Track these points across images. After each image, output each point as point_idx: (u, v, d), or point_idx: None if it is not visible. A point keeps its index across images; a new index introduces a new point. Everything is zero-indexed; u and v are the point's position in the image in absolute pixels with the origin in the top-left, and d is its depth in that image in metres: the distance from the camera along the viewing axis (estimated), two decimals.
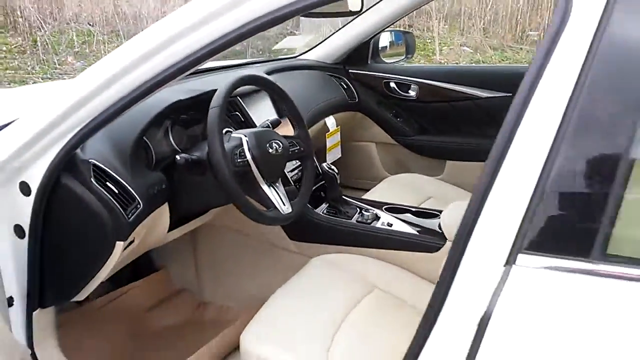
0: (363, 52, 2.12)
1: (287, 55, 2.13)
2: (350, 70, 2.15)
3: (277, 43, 2.78)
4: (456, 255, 0.69)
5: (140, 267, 1.73)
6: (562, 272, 0.65)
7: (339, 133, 2.03)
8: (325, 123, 1.95)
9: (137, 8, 6.55)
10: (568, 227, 0.65)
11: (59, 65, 5.78)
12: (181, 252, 1.75)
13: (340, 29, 2.04)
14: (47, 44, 6.05)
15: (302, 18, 2.53)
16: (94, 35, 6.14)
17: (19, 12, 6.50)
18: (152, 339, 1.54)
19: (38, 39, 6.03)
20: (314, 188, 1.60)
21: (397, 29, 2.23)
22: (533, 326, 0.65)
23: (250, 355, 1.15)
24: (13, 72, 5.43)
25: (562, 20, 0.66)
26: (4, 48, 5.96)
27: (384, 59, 2.20)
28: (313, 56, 2.12)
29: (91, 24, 6.37)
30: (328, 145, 1.97)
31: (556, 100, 0.65)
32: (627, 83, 0.63)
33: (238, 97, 1.52)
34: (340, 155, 2.06)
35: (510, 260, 0.67)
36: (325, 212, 1.59)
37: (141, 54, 0.93)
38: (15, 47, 6.01)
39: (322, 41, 2.11)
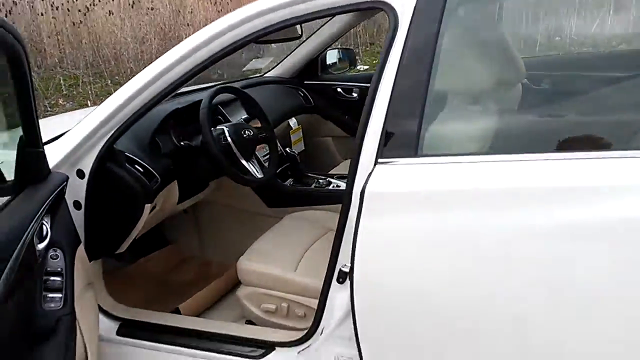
0: (314, 67, 2.72)
1: (255, 75, 2.75)
2: (305, 82, 2.75)
3: (245, 66, 3.41)
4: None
5: (156, 242, 2.29)
6: (405, 165, 1.23)
7: (300, 131, 2.63)
8: (288, 123, 2.55)
9: (117, 49, 7.16)
10: (400, 140, 1.24)
11: (50, 107, 6.33)
12: (186, 228, 2.32)
13: (293, 51, 2.66)
14: (36, 90, 6.62)
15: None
16: (79, 77, 6.72)
17: None
18: (172, 288, 2.10)
19: None
20: (281, 168, 2.18)
21: (342, 47, 2.87)
22: (386, 195, 1.23)
23: (245, 271, 1.73)
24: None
25: (391, 38, 1.26)
26: None
27: (332, 72, 2.81)
28: (275, 73, 2.73)
29: (76, 68, 6.95)
30: (293, 140, 2.57)
31: (390, 76, 1.24)
32: (416, 68, 1.22)
33: (219, 106, 2.11)
34: (303, 148, 2.65)
35: (375, 162, 1.25)
36: (291, 184, 2.18)
37: (151, 77, 1.51)
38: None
39: (280, 61, 2.72)
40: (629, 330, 1.06)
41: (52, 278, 1.30)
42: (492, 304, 1.17)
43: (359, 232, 1.25)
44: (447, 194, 1.18)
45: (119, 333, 1.75)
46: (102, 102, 1.59)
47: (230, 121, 1.99)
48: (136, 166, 1.70)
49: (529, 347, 1.15)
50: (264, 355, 1.58)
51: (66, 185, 1.45)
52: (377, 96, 1.26)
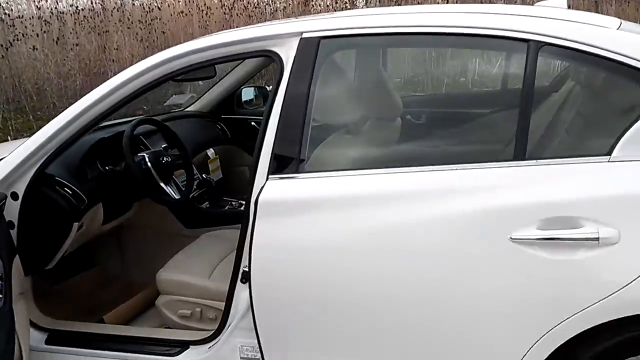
0: (230, 102, 3.06)
1: (175, 109, 3.06)
2: (222, 116, 3.08)
3: (166, 101, 3.70)
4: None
5: (83, 264, 2.51)
6: (285, 179, 1.57)
7: (218, 160, 2.94)
8: (207, 153, 2.86)
9: (40, 85, 7.21)
10: (285, 160, 1.58)
11: None
12: (111, 250, 2.55)
13: (210, 88, 3.00)
14: None
15: None
16: (1, 112, 6.72)
17: None
18: (97, 304, 2.31)
19: None
20: (199, 192, 2.48)
21: (256, 85, 3.24)
22: (273, 203, 1.56)
23: (163, 281, 2.00)
24: None
25: (278, 80, 1.62)
26: None
27: (247, 108, 3.15)
28: (194, 108, 3.04)
29: None
30: (211, 168, 2.87)
31: (277, 110, 1.59)
32: (295, 105, 1.57)
33: (141, 136, 2.39)
34: (221, 176, 2.96)
35: (267, 178, 1.59)
36: (207, 206, 2.48)
37: (79, 111, 1.78)
38: None
39: (199, 97, 3.05)
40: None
41: None
42: (351, 289, 1.52)
43: (253, 235, 1.57)
44: (318, 200, 1.53)
45: (47, 342, 1.96)
46: (25, 136, 1.85)
47: (150, 149, 2.28)
48: (65, 189, 1.96)
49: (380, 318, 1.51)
50: (179, 352, 1.84)
51: (5, 203, 1.69)
52: (267, 126, 1.61)
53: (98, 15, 9.13)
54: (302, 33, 1.65)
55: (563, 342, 1.38)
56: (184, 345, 1.84)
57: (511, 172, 1.43)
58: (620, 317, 1.34)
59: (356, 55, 1.86)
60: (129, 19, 8.90)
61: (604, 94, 1.55)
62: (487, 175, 1.44)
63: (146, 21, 8.85)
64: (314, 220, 1.53)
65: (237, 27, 8.63)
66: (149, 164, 2.09)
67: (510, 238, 1.38)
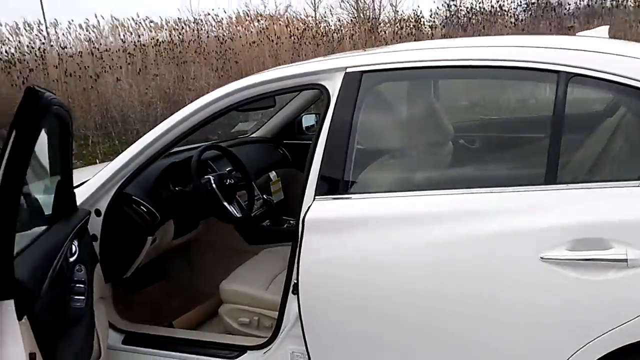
0: (291, 128, 3.27)
1: (241, 135, 3.30)
2: (284, 141, 3.29)
3: (233, 128, 3.98)
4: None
5: (155, 275, 2.76)
6: (330, 200, 1.72)
7: (279, 182, 3.14)
8: (269, 175, 3.07)
9: (125, 112, 7.81)
10: (330, 183, 1.73)
11: None
12: (181, 264, 2.79)
13: (273, 116, 3.22)
14: None
15: None
16: (89, 138, 7.33)
17: None
18: (167, 311, 2.54)
19: None
20: (260, 211, 2.68)
21: (316, 112, 3.43)
22: (318, 221, 1.71)
23: (225, 291, 2.20)
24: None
25: (325, 109, 1.78)
26: None
27: (307, 133, 3.34)
28: (259, 134, 3.27)
29: (86, 129, 7.57)
30: (272, 189, 3.07)
31: (324, 137, 1.76)
32: (340, 132, 1.73)
33: (209, 160, 2.62)
34: (282, 197, 3.15)
35: (314, 198, 1.74)
36: (267, 224, 2.67)
37: (153, 139, 2.02)
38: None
39: (262, 124, 3.28)
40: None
41: (77, 285, 1.77)
42: (390, 302, 1.63)
43: (301, 250, 1.73)
44: (360, 219, 1.67)
45: (124, 343, 2.19)
46: (111, 159, 2.11)
47: (217, 172, 2.51)
48: (141, 207, 2.20)
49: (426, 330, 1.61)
50: (237, 356, 2.01)
51: (89, 218, 1.95)
52: (315, 151, 1.78)
53: (177, 47, 9.78)
54: (346, 68, 1.81)
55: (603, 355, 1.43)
56: (242, 350, 2.01)
57: (545, 194, 1.51)
58: None
59: (397, 86, 1.99)
60: (204, 50, 9.45)
61: (636, 121, 1.60)
62: (523, 198, 1.53)
63: (220, 52, 9.38)
64: (356, 238, 1.67)
65: (305, 55, 8.94)
66: (214, 185, 2.31)
67: (541, 257, 1.45)
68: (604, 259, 1.40)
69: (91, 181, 2.12)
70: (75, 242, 1.80)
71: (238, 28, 10.98)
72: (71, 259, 1.73)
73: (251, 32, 10.43)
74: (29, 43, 9.82)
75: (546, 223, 1.47)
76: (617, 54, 1.56)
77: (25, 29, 10.03)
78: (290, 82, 1.94)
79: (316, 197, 1.75)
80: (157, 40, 9.73)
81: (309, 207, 1.74)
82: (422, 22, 10.16)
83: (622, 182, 1.45)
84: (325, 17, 12.09)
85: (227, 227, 2.64)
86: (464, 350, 1.58)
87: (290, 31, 9.82)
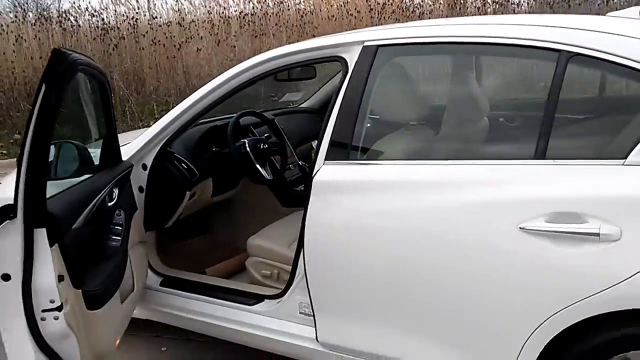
0: None
1: (290, 106, 3.49)
2: None
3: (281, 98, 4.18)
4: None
5: (198, 230, 3.03)
6: (336, 164, 1.86)
7: None
8: (311, 144, 3.24)
9: (205, 80, 8.23)
10: (338, 149, 1.87)
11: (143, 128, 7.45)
12: (222, 220, 3.05)
13: (320, 87, 3.37)
14: (133, 113, 7.79)
15: None
16: (171, 104, 7.82)
17: (112, 89, 8.41)
18: (204, 261, 2.80)
19: (127, 109, 7.78)
20: (295, 176, 2.86)
21: None
22: (324, 183, 1.86)
23: (251, 245, 2.41)
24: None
25: (342, 79, 1.91)
26: None
27: None
28: (307, 105, 3.44)
29: (168, 95, 8.09)
30: (313, 158, 3.24)
31: (337, 106, 1.89)
32: (351, 102, 1.86)
33: (251, 126, 2.83)
34: None
35: (323, 162, 1.89)
36: (301, 189, 2.85)
37: (193, 101, 2.24)
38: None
39: (310, 96, 3.44)
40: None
41: (116, 227, 2.04)
42: (391, 261, 1.76)
43: (307, 209, 1.89)
44: (360, 184, 1.80)
45: (161, 284, 2.47)
46: None
47: (255, 137, 2.71)
48: (182, 164, 2.45)
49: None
50: (255, 303, 2.23)
51: (131, 170, 2.21)
52: (330, 118, 1.92)
53: (260, 20, 10.08)
54: (363, 42, 1.93)
55: (563, 329, 1.50)
56: (259, 299, 2.23)
57: (533, 169, 1.57)
58: (616, 310, 1.42)
59: (409, 60, 2.08)
60: (284, 24, 9.69)
61: (626, 103, 1.61)
62: (512, 170, 1.60)
63: (300, 25, 9.57)
64: (357, 200, 1.81)
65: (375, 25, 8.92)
66: (247, 148, 2.52)
67: (520, 227, 1.52)
68: (579, 232, 1.45)
69: (139, 138, 2.39)
70: (116, 190, 2.07)
71: (320, 1, 11.12)
72: (110, 204, 1.99)
73: (332, 5, 10.52)
74: (125, 12, 10.51)
75: (529, 195, 1.54)
76: (617, 34, 1.56)
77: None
78: (313, 54, 2.08)
79: (325, 161, 1.90)
80: (240, 12, 10.04)
81: (317, 171, 1.90)
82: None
83: (604, 160, 1.49)
84: None
85: (264, 189, 2.85)
86: (447, 307, 1.69)
87: (369, 5, 9.81)
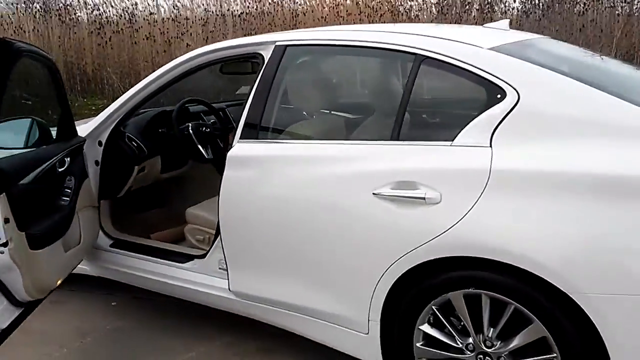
0: None
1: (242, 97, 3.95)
2: None
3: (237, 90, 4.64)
4: None
5: (156, 203, 3.47)
6: (249, 143, 2.30)
7: None
8: None
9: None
10: (249, 130, 2.31)
11: None
12: (176, 195, 3.49)
13: None
14: None
15: None
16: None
17: (105, 81, 8.90)
18: (152, 228, 3.24)
19: None
20: None
21: None
22: (235, 158, 2.30)
23: (188, 213, 2.86)
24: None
25: (258, 73, 2.35)
26: (94, 107, 8.22)
27: None
28: None
29: None
30: None
31: (252, 94, 2.33)
32: (261, 92, 2.30)
33: (201, 113, 3.27)
34: None
35: (237, 141, 2.33)
36: None
37: (139, 87, 2.69)
38: (101, 106, 8.27)
39: None
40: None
41: (66, 189, 2.49)
42: (282, 222, 2.19)
43: (222, 180, 2.33)
44: (265, 158, 2.24)
45: (111, 246, 2.91)
46: None
47: (199, 121, 3.15)
48: (133, 142, 2.90)
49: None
50: (186, 261, 2.66)
51: (83, 143, 2.66)
52: (246, 105, 2.35)
53: (255, 19, 10.54)
54: (275, 42, 2.37)
55: (405, 271, 1.91)
56: (190, 258, 2.66)
57: (386, 147, 2.00)
58: (439, 257, 1.84)
59: (310, 58, 2.51)
60: (280, 23, 10.15)
61: (457, 97, 2.04)
62: (372, 149, 2.04)
63: (291, 25, 10.03)
64: (260, 172, 2.25)
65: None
66: (190, 131, 2.96)
67: (373, 193, 1.95)
68: (412, 197, 1.88)
69: (97, 117, 2.84)
70: (68, 159, 2.52)
71: (315, 3, 11.57)
72: (60, 169, 2.44)
73: (324, 7, 10.97)
74: (124, 8, 11.01)
75: (382, 167, 1.97)
76: (457, 41, 2.00)
77: None
78: (239, 50, 2.52)
79: (240, 140, 2.34)
80: (233, 12, 10.51)
81: (231, 147, 2.33)
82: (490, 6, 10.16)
83: (438, 142, 1.92)
84: None
85: (211, 167, 3.29)
86: (324, 258, 2.11)
87: (359, 8, 10.25)
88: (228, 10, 11.03)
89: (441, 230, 1.83)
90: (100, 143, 2.85)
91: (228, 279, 2.43)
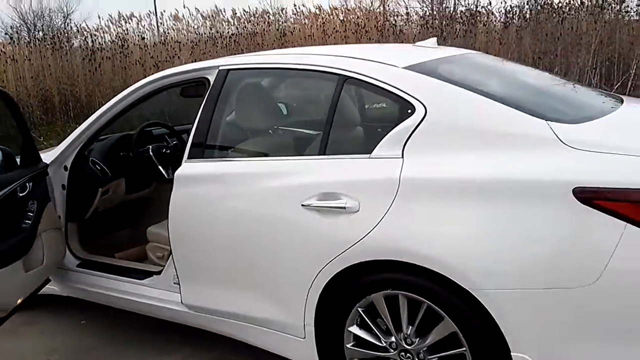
0: None
1: None
2: None
3: None
4: None
5: (125, 224, 3.65)
6: (195, 162, 2.47)
7: None
8: None
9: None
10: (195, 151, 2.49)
11: None
12: (142, 216, 3.67)
13: None
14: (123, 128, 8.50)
15: None
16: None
17: (97, 106, 9.19)
18: (117, 248, 3.40)
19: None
20: None
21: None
22: (183, 177, 2.47)
23: (149, 232, 3.02)
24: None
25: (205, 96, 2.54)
26: None
27: None
28: None
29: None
30: None
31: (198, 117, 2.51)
32: (205, 115, 2.48)
33: (166, 136, 3.46)
34: None
35: (185, 160, 2.51)
36: None
37: (101, 112, 2.88)
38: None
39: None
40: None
41: (28, 213, 2.66)
42: (223, 235, 2.36)
43: (171, 198, 2.50)
44: (208, 176, 2.41)
45: (78, 266, 3.08)
46: None
47: (161, 143, 3.34)
48: (96, 165, 3.08)
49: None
50: (145, 278, 2.82)
51: (46, 168, 2.84)
52: (192, 128, 2.53)
53: (245, 39, 10.82)
54: (219, 66, 2.55)
55: (332, 276, 2.06)
56: (149, 274, 2.82)
57: (313, 162, 2.17)
58: (359, 262, 1.99)
59: (250, 80, 2.69)
60: (266, 43, 10.42)
61: (376, 113, 2.21)
62: (302, 163, 2.21)
63: (279, 44, 10.29)
64: (205, 189, 2.42)
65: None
66: (150, 152, 3.14)
67: (302, 205, 2.12)
68: (334, 207, 2.04)
69: (61, 144, 3.03)
70: (30, 184, 2.70)
71: (304, 21, 11.85)
72: (21, 194, 2.62)
73: (312, 26, 11.24)
74: (118, 33, 11.35)
75: (310, 180, 2.13)
76: (373, 60, 2.18)
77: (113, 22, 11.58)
78: (188, 75, 2.71)
79: (187, 159, 2.51)
80: (222, 33, 10.81)
81: (180, 167, 2.51)
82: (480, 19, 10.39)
83: (358, 155, 2.08)
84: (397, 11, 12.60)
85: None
86: (262, 265, 2.26)
87: (345, 26, 10.51)
88: (217, 32, 11.36)
89: (360, 237, 1.98)
90: (65, 168, 3.03)
91: (180, 292, 2.58)
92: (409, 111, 2.02)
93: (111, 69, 9.82)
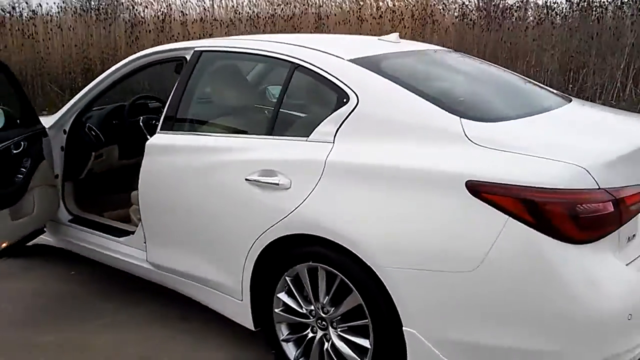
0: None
1: None
2: None
3: None
4: None
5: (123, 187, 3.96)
6: (162, 134, 2.73)
7: None
8: None
9: None
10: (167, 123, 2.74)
11: None
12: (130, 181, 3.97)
13: None
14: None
15: None
16: None
17: None
18: (107, 208, 3.71)
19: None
20: None
21: None
22: (152, 147, 2.73)
23: (132, 196, 3.31)
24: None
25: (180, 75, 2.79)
26: None
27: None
28: None
29: None
30: None
31: (171, 93, 2.76)
32: (179, 89, 2.72)
33: (161, 108, 3.72)
34: None
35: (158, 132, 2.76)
36: None
37: (98, 81, 3.16)
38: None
39: None
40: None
41: (22, 169, 2.98)
42: (181, 202, 2.61)
43: (142, 165, 2.76)
44: (174, 147, 2.66)
45: (69, 221, 3.40)
46: None
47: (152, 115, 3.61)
48: (92, 131, 3.39)
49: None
50: (122, 236, 3.11)
51: (44, 130, 3.15)
52: (167, 100, 2.78)
53: (285, 21, 11.03)
54: (194, 47, 2.78)
55: (265, 245, 2.28)
56: (126, 233, 3.11)
57: (259, 141, 2.39)
58: (287, 234, 2.21)
59: (220, 62, 2.90)
60: (303, 25, 10.60)
61: (318, 100, 2.40)
62: (249, 142, 2.43)
63: (315, 27, 10.47)
64: (170, 159, 2.67)
65: (384, 32, 9.74)
66: (141, 123, 3.42)
67: (246, 179, 2.34)
68: (270, 182, 2.25)
69: (61, 109, 3.34)
70: (25, 143, 3.01)
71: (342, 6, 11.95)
72: (15, 151, 2.93)
73: (348, 11, 11.33)
74: (161, 7, 11.75)
75: (255, 157, 2.35)
76: (326, 53, 2.37)
77: None
78: (169, 54, 2.95)
79: (160, 131, 2.77)
80: (258, 14, 11.04)
81: (152, 138, 2.76)
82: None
83: (298, 138, 2.28)
84: None
85: None
86: (209, 235, 2.51)
87: (371, 12, 10.59)
88: (254, 13, 11.60)
89: (288, 211, 2.19)
90: (64, 131, 3.34)
91: (146, 251, 2.86)
92: (345, 100, 2.21)
93: (151, 42, 10.20)
